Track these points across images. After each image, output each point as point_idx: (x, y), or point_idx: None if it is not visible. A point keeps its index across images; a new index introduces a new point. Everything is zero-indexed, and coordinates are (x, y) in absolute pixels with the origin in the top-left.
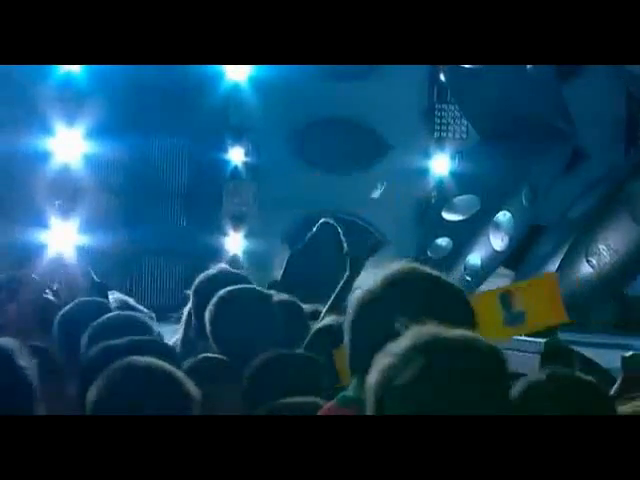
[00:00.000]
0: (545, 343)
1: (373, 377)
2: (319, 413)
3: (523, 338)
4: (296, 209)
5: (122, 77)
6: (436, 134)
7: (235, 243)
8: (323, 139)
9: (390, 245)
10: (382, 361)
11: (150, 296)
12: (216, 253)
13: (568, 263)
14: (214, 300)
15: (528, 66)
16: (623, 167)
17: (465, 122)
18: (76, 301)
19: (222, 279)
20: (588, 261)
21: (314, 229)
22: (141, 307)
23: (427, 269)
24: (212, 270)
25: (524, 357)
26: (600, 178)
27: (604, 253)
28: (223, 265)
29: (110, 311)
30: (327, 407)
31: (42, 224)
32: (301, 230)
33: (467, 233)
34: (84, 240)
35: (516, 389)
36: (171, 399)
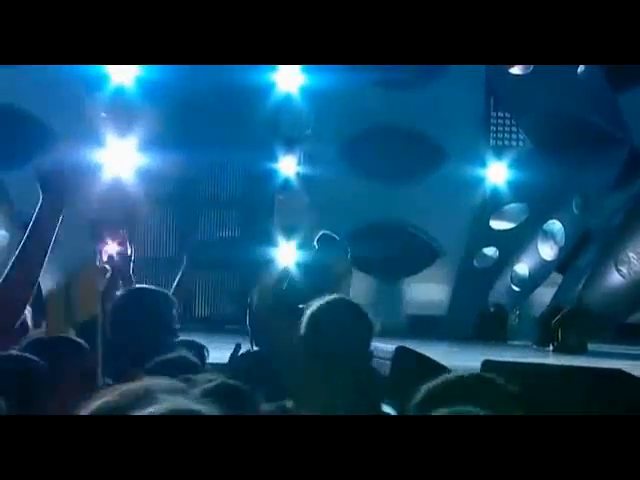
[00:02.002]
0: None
1: None
2: None
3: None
4: (349, 219)
5: (174, 89)
6: (492, 142)
7: (287, 254)
8: (376, 148)
9: (444, 254)
10: None
11: (202, 307)
12: (268, 264)
13: (598, 272)
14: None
15: (579, 71)
16: None
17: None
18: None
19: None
20: (618, 270)
21: (315, 241)
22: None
23: None
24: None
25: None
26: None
27: (634, 261)
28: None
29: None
30: None
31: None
32: (351, 240)
33: (515, 242)
34: (137, 251)
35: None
36: None
